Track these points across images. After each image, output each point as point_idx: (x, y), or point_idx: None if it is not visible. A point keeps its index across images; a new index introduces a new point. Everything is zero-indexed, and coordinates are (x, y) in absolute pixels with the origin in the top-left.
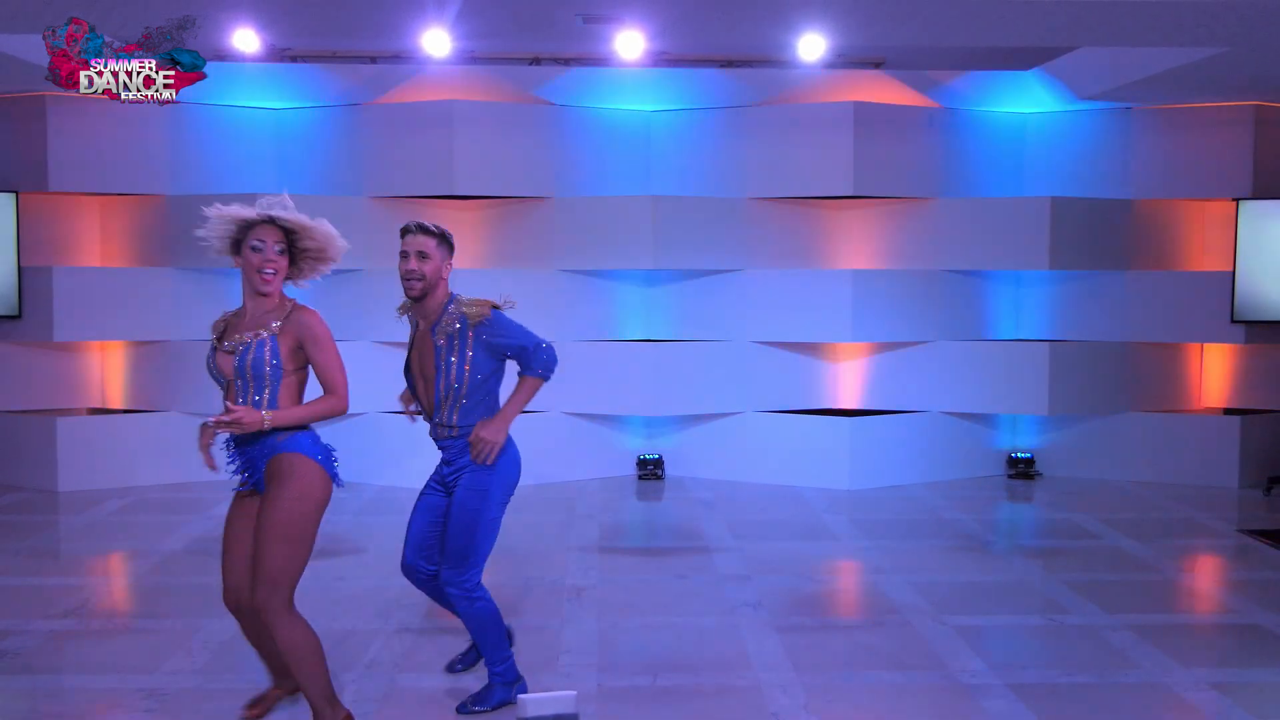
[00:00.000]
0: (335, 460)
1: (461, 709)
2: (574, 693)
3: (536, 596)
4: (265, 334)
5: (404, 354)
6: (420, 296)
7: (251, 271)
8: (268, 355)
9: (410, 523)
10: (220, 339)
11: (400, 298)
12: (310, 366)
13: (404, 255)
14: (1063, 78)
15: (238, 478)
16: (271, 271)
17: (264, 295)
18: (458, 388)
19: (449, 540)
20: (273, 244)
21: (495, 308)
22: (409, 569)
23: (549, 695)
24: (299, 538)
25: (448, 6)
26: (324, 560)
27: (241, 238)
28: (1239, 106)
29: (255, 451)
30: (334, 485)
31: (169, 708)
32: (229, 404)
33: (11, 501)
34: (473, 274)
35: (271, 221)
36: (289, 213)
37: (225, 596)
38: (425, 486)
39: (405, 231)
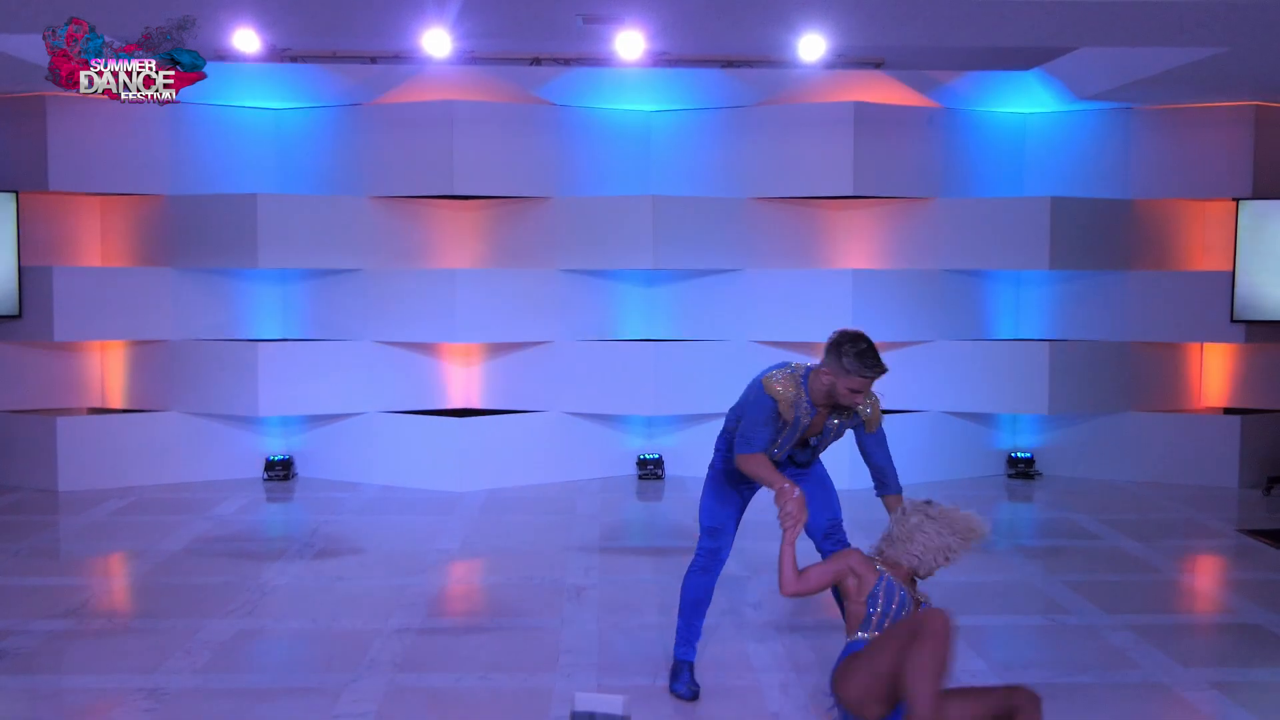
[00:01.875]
0: None
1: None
2: (623, 696)
3: (536, 596)
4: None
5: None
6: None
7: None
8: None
9: (719, 514)
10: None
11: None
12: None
13: (857, 393)
14: (1063, 78)
15: None
16: None
17: None
18: (825, 441)
19: (831, 502)
20: None
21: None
22: (722, 551)
23: (602, 696)
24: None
25: (448, 6)
26: (324, 560)
27: None
28: (1239, 106)
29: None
30: None
31: (169, 708)
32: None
33: (11, 501)
34: (473, 274)
35: None
36: None
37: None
38: (740, 493)
39: (878, 374)
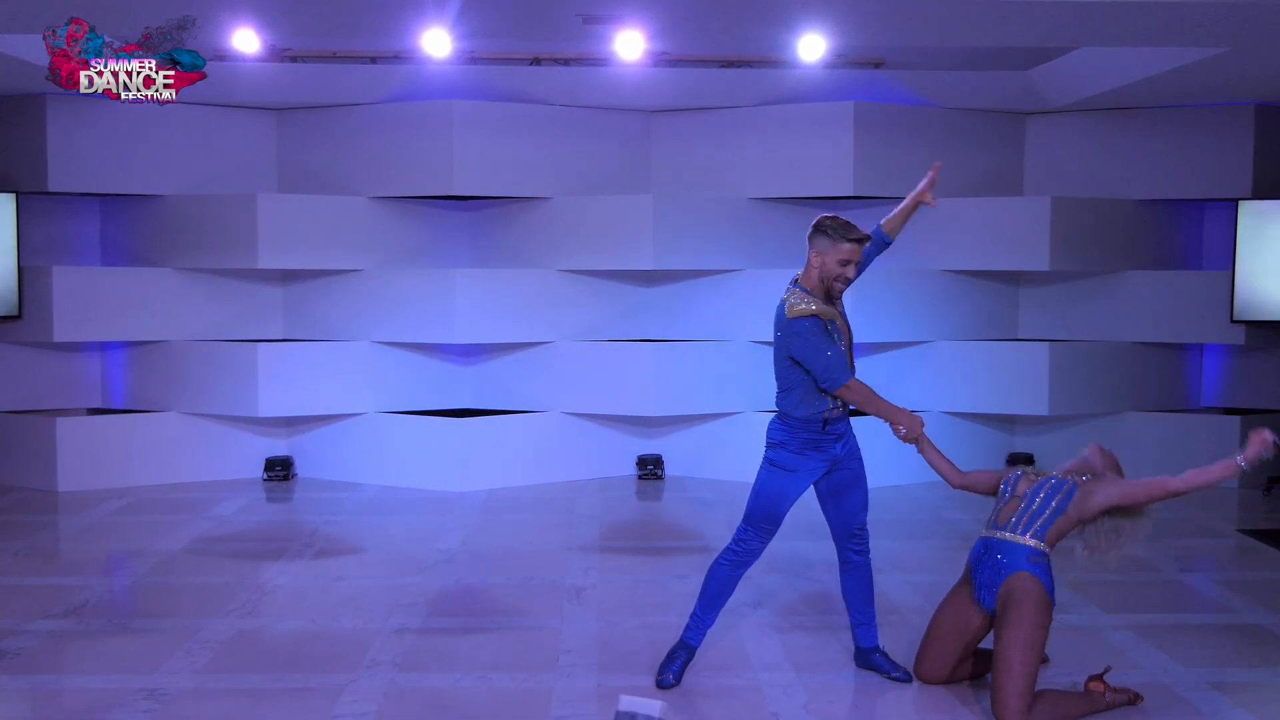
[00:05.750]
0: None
1: (901, 679)
2: (661, 703)
3: (536, 596)
4: (1072, 479)
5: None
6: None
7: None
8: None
9: (779, 505)
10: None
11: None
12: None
13: (847, 263)
14: (1063, 78)
15: None
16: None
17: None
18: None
19: (865, 503)
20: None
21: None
22: (759, 545)
23: (644, 700)
24: (1036, 660)
25: (448, 6)
26: (324, 560)
27: None
28: (1239, 107)
29: (1005, 561)
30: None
31: (169, 708)
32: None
33: (11, 501)
34: (473, 274)
35: None
36: None
37: (920, 670)
38: (804, 480)
39: (857, 240)
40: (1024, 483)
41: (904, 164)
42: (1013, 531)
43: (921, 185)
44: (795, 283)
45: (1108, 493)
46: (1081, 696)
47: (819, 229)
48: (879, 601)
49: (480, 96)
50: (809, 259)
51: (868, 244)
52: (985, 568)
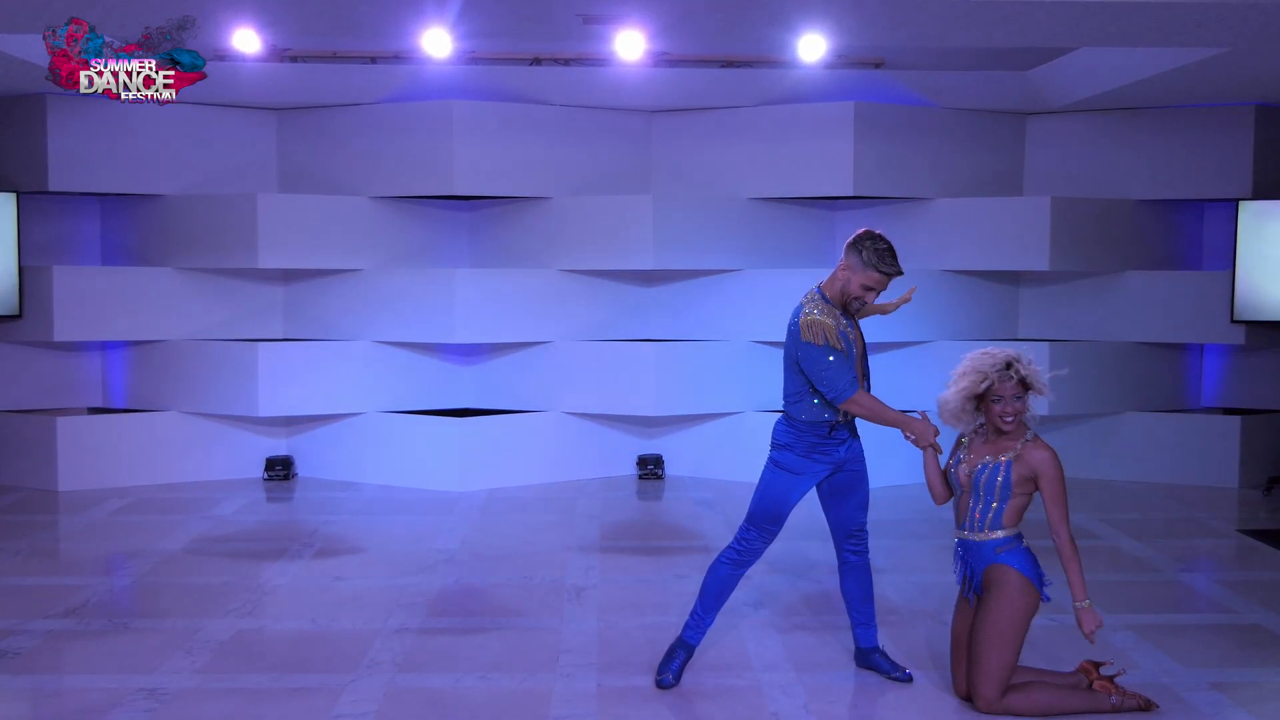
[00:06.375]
0: (1045, 581)
1: (901, 679)
2: None
3: (536, 596)
4: (1004, 459)
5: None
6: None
7: (995, 419)
8: (1000, 479)
9: (783, 506)
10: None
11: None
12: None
13: (870, 289)
14: (1063, 78)
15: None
16: (1011, 418)
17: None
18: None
19: (866, 505)
20: (1011, 395)
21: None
22: (761, 545)
23: None
24: (1011, 643)
25: (448, 6)
26: (324, 560)
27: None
28: (1239, 107)
29: (976, 560)
30: (1041, 601)
31: (169, 708)
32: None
33: (11, 501)
34: (473, 274)
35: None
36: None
37: (957, 689)
38: (808, 482)
39: (887, 273)
40: (964, 472)
41: (904, 164)
42: (974, 530)
43: (893, 300)
44: (819, 287)
45: (1051, 490)
46: (1080, 693)
47: (857, 246)
48: (879, 601)
49: (480, 96)
50: (838, 268)
51: (899, 277)
52: (965, 567)
